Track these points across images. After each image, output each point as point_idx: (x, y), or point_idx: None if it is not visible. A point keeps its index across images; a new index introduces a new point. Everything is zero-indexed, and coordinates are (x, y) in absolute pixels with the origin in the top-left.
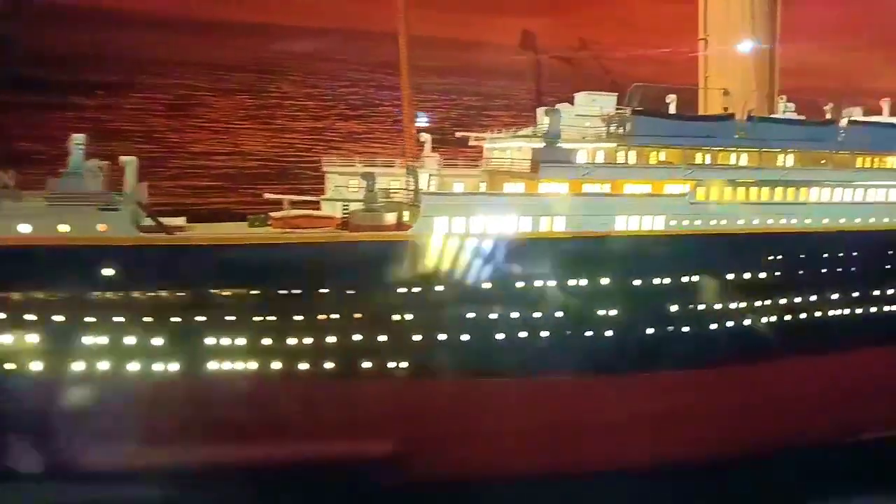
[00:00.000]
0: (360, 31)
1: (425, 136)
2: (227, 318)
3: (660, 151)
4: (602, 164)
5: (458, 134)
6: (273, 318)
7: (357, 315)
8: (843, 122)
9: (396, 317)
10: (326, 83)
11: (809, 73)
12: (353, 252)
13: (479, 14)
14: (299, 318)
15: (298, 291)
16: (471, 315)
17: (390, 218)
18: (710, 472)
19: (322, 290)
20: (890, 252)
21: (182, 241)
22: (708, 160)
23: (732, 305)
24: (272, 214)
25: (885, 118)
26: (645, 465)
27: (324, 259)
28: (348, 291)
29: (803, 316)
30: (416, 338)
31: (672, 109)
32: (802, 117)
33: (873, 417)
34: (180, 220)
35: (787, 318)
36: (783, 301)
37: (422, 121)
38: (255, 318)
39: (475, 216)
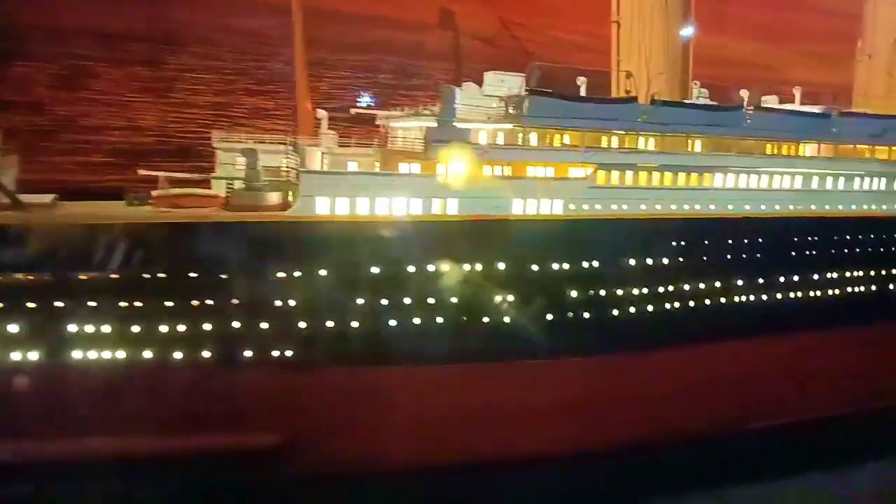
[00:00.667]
0: (267, 4)
1: (322, 113)
2: (89, 304)
3: (558, 134)
4: (495, 146)
5: (352, 110)
6: (139, 303)
7: (234, 301)
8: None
9: (278, 303)
10: (231, 56)
11: (737, 64)
12: (226, 233)
13: None
14: (169, 303)
15: (163, 275)
16: (358, 301)
17: (274, 198)
18: (605, 461)
19: (193, 274)
20: (795, 239)
21: (28, 221)
22: (611, 143)
23: (634, 292)
24: (152, 193)
25: (796, 106)
26: (541, 453)
27: (194, 240)
28: (222, 276)
29: (707, 302)
30: (301, 325)
31: (583, 92)
32: (714, 103)
33: (764, 406)
34: (48, 198)
35: (690, 304)
36: (686, 287)
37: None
38: (121, 304)
39: (361, 197)
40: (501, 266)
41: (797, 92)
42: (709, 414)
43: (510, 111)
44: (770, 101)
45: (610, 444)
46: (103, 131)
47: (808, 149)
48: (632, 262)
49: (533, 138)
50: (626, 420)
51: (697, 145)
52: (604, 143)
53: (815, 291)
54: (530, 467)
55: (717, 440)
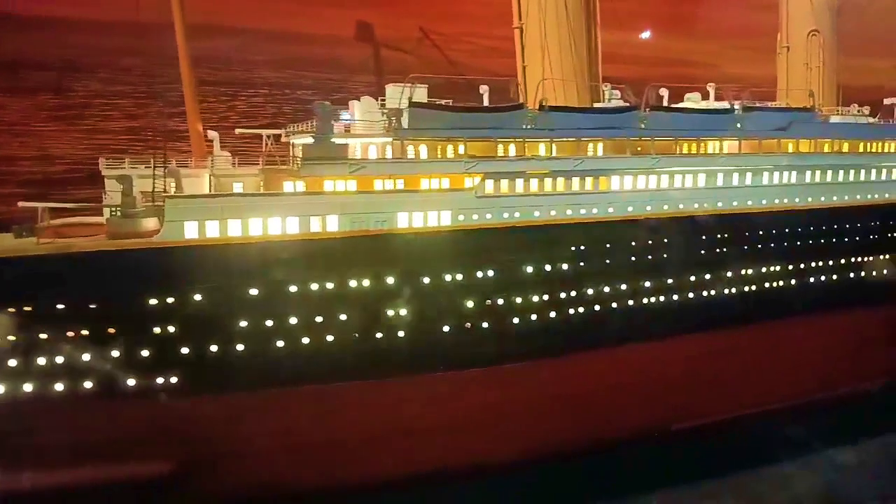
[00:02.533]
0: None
1: (213, 134)
2: None
3: (442, 145)
4: (371, 160)
5: (237, 130)
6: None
7: (110, 330)
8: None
9: (157, 330)
10: (141, 80)
11: (675, 63)
12: (96, 262)
13: (312, 6)
14: (44, 335)
15: (29, 308)
16: (241, 324)
17: (151, 224)
18: (519, 470)
19: (62, 305)
20: (703, 237)
21: None
22: (499, 152)
23: (535, 299)
24: (38, 224)
25: (713, 103)
26: (448, 468)
27: (68, 270)
28: (91, 305)
29: (614, 306)
30: (184, 351)
31: (486, 101)
32: (624, 104)
33: (685, 408)
34: None
35: (596, 308)
36: (590, 292)
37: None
38: None
39: (232, 219)
40: (385, 280)
41: (711, 89)
42: (627, 418)
43: (392, 124)
44: (693, 99)
45: (527, 454)
46: (14, 162)
47: (711, 146)
48: (529, 269)
49: (423, 150)
50: (540, 429)
51: (595, 149)
52: (492, 152)
53: (727, 289)
54: (437, 483)
55: (640, 443)
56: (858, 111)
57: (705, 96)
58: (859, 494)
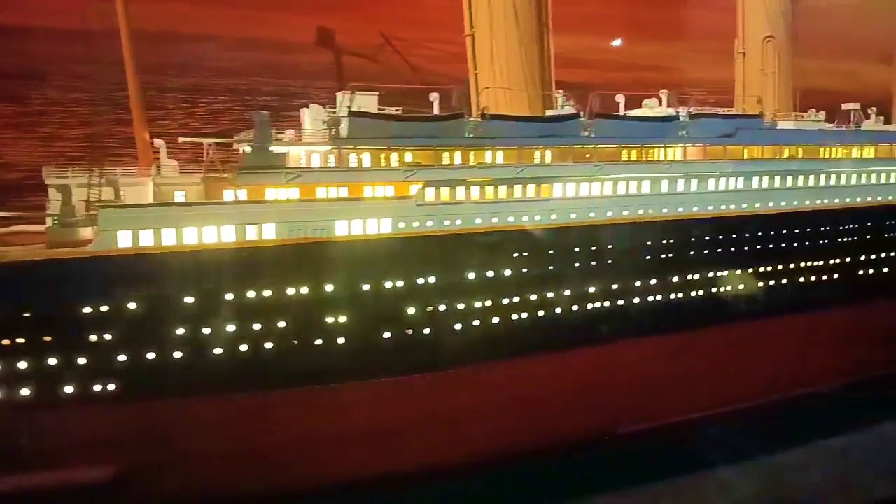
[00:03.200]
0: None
1: (159, 142)
2: None
3: (385, 153)
4: (311, 169)
5: (180, 139)
6: None
7: (46, 338)
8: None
9: (93, 337)
10: (98, 87)
11: (636, 68)
12: (28, 271)
13: (272, 12)
14: None
15: None
16: (178, 332)
17: (88, 233)
18: (465, 473)
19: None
20: (649, 243)
21: None
22: (440, 160)
23: (478, 305)
24: None
25: (663, 110)
26: (393, 473)
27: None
28: (26, 314)
29: (557, 311)
30: (121, 358)
31: (436, 109)
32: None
33: (629, 411)
34: None
35: (540, 314)
36: (534, 298)
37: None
38: None
39: (168, 228)
40: (322, 287)
41: (663, 96)
42: (574, 421)
43: (332, 133)
44: (650, 105)
45: (467, 460)
46: None
47: (654, 153)
48: (471, 275)
49: (367, 159)
50: (483, 435)
51: (543, 156)
52: (437, 160)
53: (674, 294)
54: (381, 488)
55: (586, 446)
56: (813, 116)
57: (672, 103)
58: (802, 497)
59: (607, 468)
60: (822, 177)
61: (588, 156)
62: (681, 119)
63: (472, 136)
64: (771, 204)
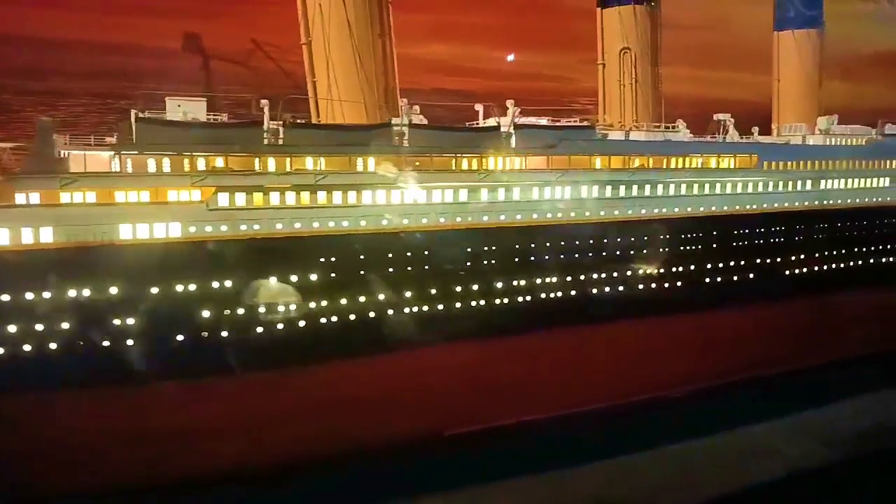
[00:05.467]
0: None
1: (3, 145)
2: None
3: (188, 159)
4: (85, 174)
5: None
6: None
7: None
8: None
9: None
10: None
11: (533, 77)
12: None
13: (137, 17)
14: None
15: None
16: None
17: None
18: (286, 476)
19: None
20: (469, 250)
21: None
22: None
23: (281, 309)
24: None
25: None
26: (193, 476)
27: None
28: None
29: (372, 315)
30: None
31: (266, 115)
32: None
33: (456, 413)
34: None
35: (350, 318)
36: (343, 302)
37: None
38: None
39: None
40: (105, 290)
41: (510, 105)
42: (397, 423)
43: (120, 138)
44: (509, 114)
45: (288, 461)
46: None
47: (466, 162)
48: (272, 280)
49: (166, 164)
50: (304, 437)
51: (349, 164)
52: (243, 166)
53: (497, 300)
54: (188, 492)
55: (412, 448)
56: (671, 126)
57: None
58: (636, 497)
59: (434, 470)
60: (661, 187)
61: (418, 164)
62: (503, 130)
63: (272, 143)
64: (603, 213)
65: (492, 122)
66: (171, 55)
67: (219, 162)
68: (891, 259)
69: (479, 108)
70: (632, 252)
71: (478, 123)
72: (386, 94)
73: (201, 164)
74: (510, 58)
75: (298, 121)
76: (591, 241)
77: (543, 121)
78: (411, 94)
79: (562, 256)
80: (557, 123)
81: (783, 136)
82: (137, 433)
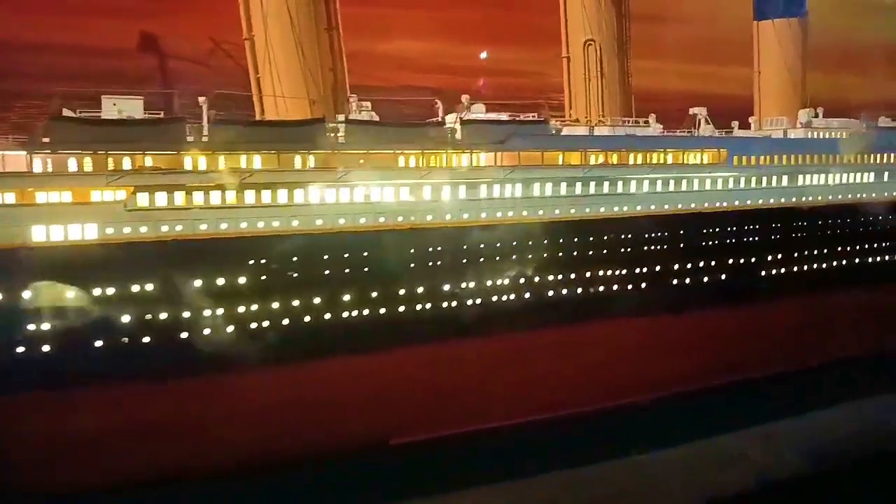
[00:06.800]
0: None
1: None
2: None
3: (113, 158)
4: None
5: None
6: None
7: None
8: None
9: None
10: None
11: (504, 73)
12: None
13: (90, 18)
14: None
15: None
16: None
17: None
18: (224, 481)
19: None
20: (412, 251)
21: None
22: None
23: (207, 313)
24: None
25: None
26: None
27: None
28: None
29: (307, 319)
30: None
31: (204, 114)
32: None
33: (406, 420)
34: None
35: (286, 322)
36: (275, 306)
37: None
38: None
39: None
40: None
41: (464, 100)
42: (339, 431)
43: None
44: (475, 109)
45: (222, 465)
46: None
47: (414, 159)
48: (197, 283)
49: (88, 163)
50: (249, 441)
51: (276, 161)
52: (171, 165)
53: (444, 303)
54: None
55: (356, 456)
56: (643, 121)
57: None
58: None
59: (379, 479)
60: (620, 184)
61: (362, 161)
62: (447, 125)
63: (195, 140)
64: (557, 212)
65: (451, 118)
66: (126, 55)
67: (147, 161)
68: (875, 259)
69: (438, 103)
70: (589, 252)
71: (438, 120)
72: (334, 91)
73: (127, 163)
74: (483, 55)
75: (220, 117)
76: (545, 241)
77: (504, 116)
78: (378, 92)
79: (514, 258)
80: (510, 118)
81: (765, 129)
82: (65, 440)
